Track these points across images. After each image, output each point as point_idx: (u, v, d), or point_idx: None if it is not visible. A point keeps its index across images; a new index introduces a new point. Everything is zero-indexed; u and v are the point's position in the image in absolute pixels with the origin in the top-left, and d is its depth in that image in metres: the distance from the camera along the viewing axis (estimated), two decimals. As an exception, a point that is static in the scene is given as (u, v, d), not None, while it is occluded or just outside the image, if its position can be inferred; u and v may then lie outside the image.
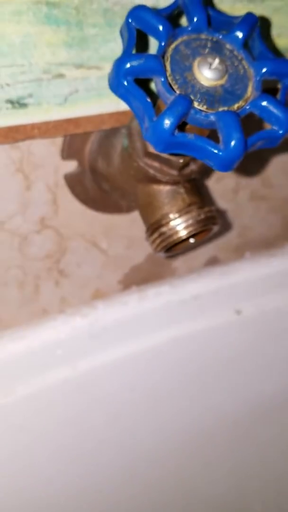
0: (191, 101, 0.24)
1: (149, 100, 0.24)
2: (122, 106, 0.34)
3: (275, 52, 0.38)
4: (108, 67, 0.33)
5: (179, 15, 0.29)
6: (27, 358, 0.39)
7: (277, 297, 0.46)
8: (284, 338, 0.47)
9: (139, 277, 0.45)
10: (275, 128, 0.25)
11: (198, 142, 0.24)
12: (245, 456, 0.51)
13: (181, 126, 0.24)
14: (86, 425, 0.42)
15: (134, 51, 0.26)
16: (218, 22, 0.27)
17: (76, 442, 0.43)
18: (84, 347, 0.41)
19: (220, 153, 0.23)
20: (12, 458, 0.41)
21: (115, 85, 0.24)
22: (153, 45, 0.32)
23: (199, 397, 0.46)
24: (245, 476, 0.53)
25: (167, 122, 0.23)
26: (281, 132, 0.25)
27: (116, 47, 0.33)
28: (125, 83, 0.24)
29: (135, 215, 0.42)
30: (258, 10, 0.36)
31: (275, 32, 0.37)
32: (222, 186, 0.44)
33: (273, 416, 0.50)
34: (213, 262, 0.47)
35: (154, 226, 0.32)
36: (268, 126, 0.25)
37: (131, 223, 0.42)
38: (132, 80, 0.24)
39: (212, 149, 0.24)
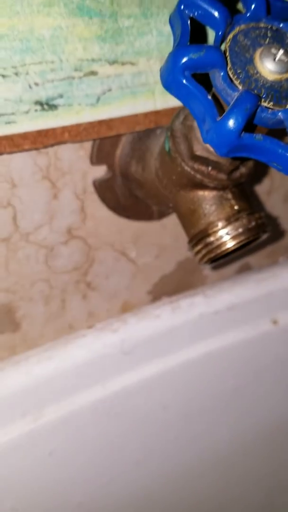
0: (259, 98, 0.21)
1: (210, 98, 0.21)
2: (159, 105, 0.31)
3: None
4: (143, 63, 0.30)
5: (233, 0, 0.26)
6: (55, 379, 0.36)
7: (315, 304, 0.43)
8: None
9: (170, 288, 0.42)
10: None
11: (267, 145, 0.21)
12: (280, 471, 0.48)
13: (251, 128, 0.21)
14: (118, 446, 0.40)
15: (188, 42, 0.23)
16: (276, 9, 0.24)
17: (109, 465, 0.40)
18: (115, 365, 0.38)
19: (294, 156, 0.21)
20: (43, 485, 0.38)
21: (170, 82, 0.21)
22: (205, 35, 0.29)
23: (235, 412, 0.43)
24: (278, 491, 0.51)
25: (234, 123, 0.20)
26: None
27: (152, 40, 0.30)
28: (184, 80, 0.21)
29: (165, 221, 0.39)
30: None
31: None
32: (256, 187, 0.42)
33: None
34: (245, 268, 0.45)
35: (200, 236, 0.29)
36: None
37: (161, 230, 0.39)
38: (190, 75, 0.21)
39: (284, 152, 0.21)
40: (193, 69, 0.21)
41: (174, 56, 0.21)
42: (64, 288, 0.37)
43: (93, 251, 0.37)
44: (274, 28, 0.24)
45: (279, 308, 0.42)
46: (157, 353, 0.39)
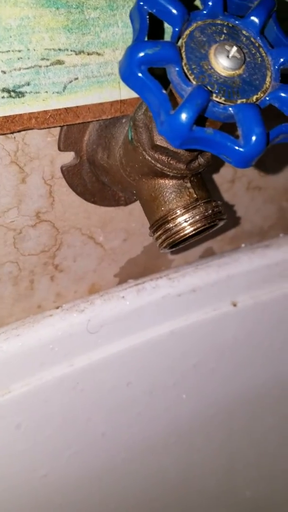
0: (210, 93, 0.23)
1: (164, 92, 0.23)
2: (124, 94, 0.33)
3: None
4: (109, 53, 0.31)
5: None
6: (23, 356, 0.37)
7: (273, 288, 0.46)
8: (279, 329, 0.47)
9: (136, 271, 0.44)
10: (295, 122, 0.24)
11: (217, 138, 0.22)
12: (240, 444, 0.51)
13: (201, 121, 0.23)
14: (84, 421, 0.42)
15: (146, 38, 0.24)
16: (233, 6, 0.26)
17: (74, 439, 0.42)
18: (81, 343, 0.40)
19: (241, 149, 0.22)
20: (8, 458, 0.40)
21: (127, 76, 0.23)
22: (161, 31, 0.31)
23: (197, 388, 0.46)
24: (240, 464, 0.54)
25: (185, 117, 0.22)
26: (301, 126, 0.24)
27: (117, 31, 0.31)
28: (140, 74, 0.22)
29: (132, 207, 0.41)
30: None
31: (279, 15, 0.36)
32: (219, 176, 0.43)
33: (268, 405, 0.50)
34: (208, 253, 0.47)
35: (160, 222, 0.31)
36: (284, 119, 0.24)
37: (128, 216, 0.41)
38: (146, 70, 0.22)
39: (233, 145, 0.22)
40: (149, 63, 0.22)
41: (131, 51, 0.22)
42: (32, 270, 0.38)
43: (61, 235, 0.38)
44: (230, 25, 0.25)
45: (238, 291, 0.44)
46: (122, 332, 0.41)
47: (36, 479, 0.42)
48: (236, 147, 0.22)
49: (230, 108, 0.23)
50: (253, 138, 0.22)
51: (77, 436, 0.42)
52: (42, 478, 0.42)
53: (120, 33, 0.31)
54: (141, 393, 0.44)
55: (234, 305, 0.44)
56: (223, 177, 0.43)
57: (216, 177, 0.43)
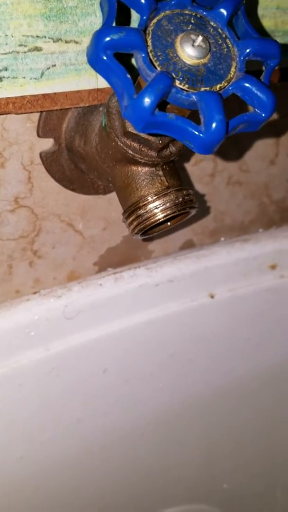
0: (173, 79, 0.23)
1: (129, 76, 0.23)
2: (101, 83, 0.33)
3: (259, 32, 0.37)
4: (86, 42, 0.32)
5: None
6: (-1, 339, 0.38)
7: (251, 281, 0.46)
8: (257, 322, 0.47)
9: (115, 260, 0.44)
10: (258, 111, 0.25)
11: (178, 123, 0.23)
12: (218, 435, 0.52)
13: (161, 105, 0.23)
14: (59, 406, 0.42)
15: (114, 25, 0.25)
16: (202, -2, 0.26)
17: (50, 423, 0.43)
18: (58, 329, 0.40)
19: (201, 135, 0.23)
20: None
21: (94, 59, 0.23)
22: (134, 20, 0.31)
23: (174, 378, 0.46)
24: (217, 455, 0.55)
25: (147, 100, 0.22)
26: (263, 115, 0.25)
27: (96, 20, 0.31)
28: (105, 57, 0.23)
29: (112, 196, 0.41)
30: (242, -10, 0.35)
31: (259, 12, 0.37)
32: (200, 170, 0.44)
33: (245, 397, 0.51)
34: (188, 245, 0.47)
35: (132, 208, 0.32)
36: (250, 109, 0.25)
37: (108, 205, 0.41)
38: (111, 54, 0.23)
39: (193, 130, 0.23)
40: (115, 48, 0.23)
41: (97, 36, 0.23)
42: (11, 255, 0.39)
43: (40, 221, 0.39)
44: (198, 15, 0.26)
45: (216, 283, 0.44)
46: (98, 319, 0.41)
47: (11, 461, 0.43)
48: (197, 133, 0.23)
49: (193, 96, 0.24)
50: (213, 125, 0.23)
51: (52, 421, 0.42)
52: (18, 461, 0.43)
53: (98, 22, 0.32)
54: (117, 380, 0.44)
55: (212, 297, 0.45)
56: (203, 170, 0.44)
57: (196, 170, 0.43)
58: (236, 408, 0.51)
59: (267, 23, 0.38)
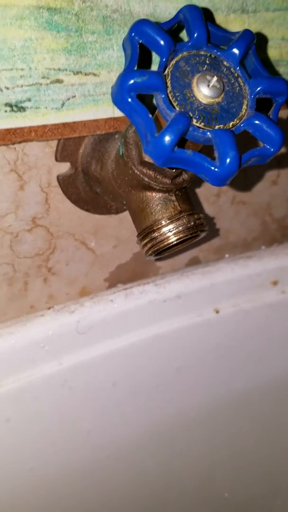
0: (190, 119, 0.25)
1: (150, 116, 0.25)
2: (118, 112, 0.35)
3: (265, 63, 0.39)
4: (104, 74, 0.34)
5: (179, 28, 0.30)
6: (14, 353, 0.40)
7: (254, 297, 0.48)
8: (260, 336, 0.49)
9: (125, 276, 0.46)
10: (267, 146, 0.27)
11: (196, 159, 0.25)
12: (220, 447, 0.54)
13: (180, 141, 0.25)
14: (70, 418, 0.44)
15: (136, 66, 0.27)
16: (217, 38, 0.29)
17: (61, 434, 0.44)
18: (71, 343, 0.42)
19: (216, 170, 0.25)
20: (-3, 450, 0.42)
21: (119, 100, 0.25)
22: (153, 58, 0.33)
23: (179, 391, 0.48)
24: (219, 467, 0.56)
25: (167, 139, 0.24)
26: (272, 150, 0.27)
27: (113, 54, 0.33)
28: (129, 99, 0.25)
29: (123, 216, 0.43)
30: (251, 21, 0.38)
31: (264, 43, 0.39)
32: (206, 190, 0.46)
33: (247, 409, 0.52)
34: (194, 262, 0.49)
35: (146, 231, 0.33)
36: (260, 144, 0.27)
37: (119, 224, 0.43)
38: (135, 96, 0.25)
39: (209, 166, 0.25)
40: (137, 90, 0.25)
41: (122, 79, 0.25)
42: (27, 272, 0.41)
43: (55, 239, 0.41)
44: (212, 56, 0.28)
45: (221, 298, 0.46)
46: (109, 334, 0.43)
47: (23, 471, 0.44)
48: (212, 168, 0.25)
49: (208, 133, 0.26)
50: (227, 160, 0.25)
51: (63, 432, 0.44)
52: (29, 471, 0.44)
53: (115, 56, 0.34)
54: (126, 393, 0.46)
55: (217, 312, 0.47)
56: (209, 190, 0.46)
57: (202, 190, 0.45)
58: (238, 419, 0.52)
59: (272, 53, 0.40)
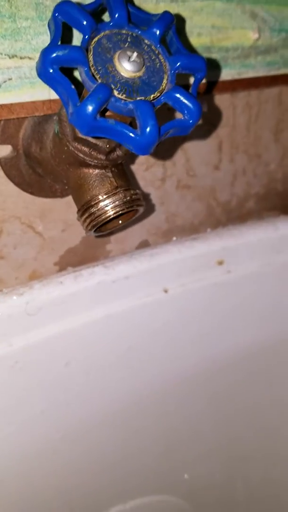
0: (111, 90, 0.27)
1: (73, 87, 0.27)
2: (54, 94, 0.37)
3: (195, 50, 0.42)
4: (40, 58, 0.36)
5: (103, 11, 0.32)
6: None
7: (200, 276, 0.50)
8: (207, 314, 0.51)
9: (75, 260, 0.47)
10: (186, 117, 0.28)
11: (117, 127, 0.27)
12: (175, 425, 0.55)
13: (104, 113, 0.27)
14: (23, 398, 0.44)
15: (60, 43, 0.28)
16: (138, 19, 0.30)
17: (13, 416, 0.45)
18: (20, 325, 0.43)
19: (137, 138, 0.27)
20: None
21: (42, 73, 0.27)
22: (78, 38, 0.35)
23: (132, 370, 0.49)
24: (176, 445, 0.58)
25: (89, 108, 0.26)
26: (191, 121, 0.28)
27: (47, 39, 0.35)
28: (51, 70, 0.26)
29: (70, 199, 0.44)
30: (180, 9, 0.40)
31: (195, 31, 0.41)
32: (151, 174, 0.48)
33: (199, 385, 0.54)
34: (144, 245, 0.51)
35: (85, 207, 0.35)
36: (180, 116, 0.29)
37: (66, 207, 0.45)
38: (57, 68, 0.27)
39: (130, 134, 0.27)
40: (60, 63, 0.26)
41: (44, 53, 0.26)
42: (-26, 255, 0.41)
43: (0, 223, 0.42)
44: (134, 34, 0.30)
45: (169, 279, 0.48)
46: (59, 315, 0.44)
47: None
48: (133, 135, 0.27)
49: (130, 104, 0.27)
50: (147, 129, 0.26)
51: (16, 413, 0.45)
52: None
53: (49, 40, 0.35)
54: (79, 373, 0.47)
55: (166, 291, 0.48)
56: (154, 175, 0.48)
57: (147, 174, 0.47)
58: (191, 396, 0.54)
59: (204, 40, 0.42)
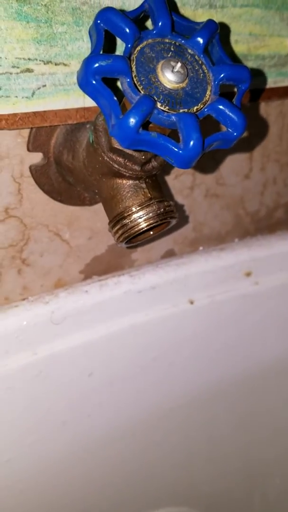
0: (155, 102, 0.26)
1: (115, 98, 0.26)
2: (88, 102, 0.36)
3: (233, 57, 0.40)
4: (75, 64, 0.35)
5: (145, 18, 0.31)
6: (-12, 344, 0.40)
7: (227, 288, 0.49)
8: (233, 326, 0.50)
9: (100, 268, 0.46)
10: (230, 130, 0.27)
11: (160, 140, 0.26)
12: (198, 439, 0.54)
13: (145, 124, 0.26)
14: (46, 408, 0.44)
15: (101, 51, 0.27)
16: (181, 27, 0.29)
17: (35, 426, 0.44)
18: (45, 333, 0.42)
19: (180, 152, 0.26)
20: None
21: (84, 83, 0.26)
22: (120, 46, 0.34)
23: (155, 381, 0.48)
24: (198, 460, 0.57)
25: (132, 121, 0.25)
26: (235, 134, 0.27)
27: (83, 45, 0.34)
28: (94, 81, 0.25)
29: (98, 207, 0.44)
30: (218, 16, 0.39)
31: (233, 38, 0.40)
32: (180, 182, 0.47)
33: (223, 400, 0.53)
34: (170, 254, 0.50)
35: (117, 218, 0.34)
36: (224, 128, 0.28)
37: (93, 215, 0.44)
38: (100, 79, 0.26)
39: (173, 148, 0.26)
40: (102, 73, 0.26)
41: (86, 62, 0.25)
42: (0, 263, 0.41)
43: (28, 230, 0.41)
44: (177, 43, 0.29)
45: (195, 289, 0.47)
46: (84, 324, 0.43)
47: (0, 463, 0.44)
48: (176, 149, 0.26)
49: (173, 117, 0.26)
50: (191, 142, 0.25)
51: (38, 423, 0.44)
52: (6, 463, 0.44)
53: (85, 47, 0.34)
54: (102, 383, 0.46)
55: (191, 302, 0.47)
56: (183, 183, 0.47)
57: (176, 183, 0.46)
58: (214, 410, 0.53)
59: (240, 48, 0.41)
